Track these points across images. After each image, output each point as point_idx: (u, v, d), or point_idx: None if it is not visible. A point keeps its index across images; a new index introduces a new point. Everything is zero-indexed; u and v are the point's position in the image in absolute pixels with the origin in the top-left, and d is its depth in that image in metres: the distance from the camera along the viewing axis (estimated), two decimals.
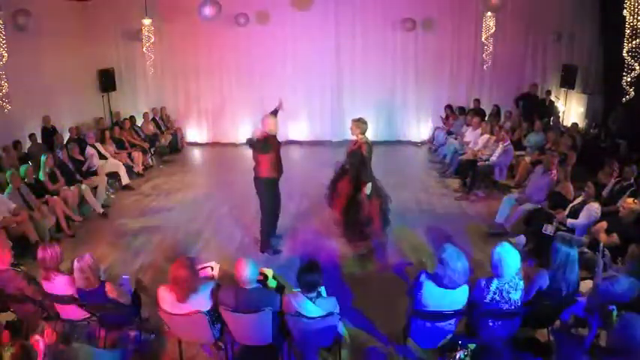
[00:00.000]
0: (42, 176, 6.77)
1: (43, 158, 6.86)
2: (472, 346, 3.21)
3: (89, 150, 8.10)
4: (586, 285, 4.04)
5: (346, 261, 5.59)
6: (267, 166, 5.34)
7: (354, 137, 5.58)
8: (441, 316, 3.39)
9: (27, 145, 8.08)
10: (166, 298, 3.40)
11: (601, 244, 4.38)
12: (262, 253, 5.71)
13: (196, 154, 11.21)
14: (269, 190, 5.50)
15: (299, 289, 3.37)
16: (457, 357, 3.02)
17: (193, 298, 3.38)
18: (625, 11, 5.80)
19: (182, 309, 3.37)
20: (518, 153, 8.08)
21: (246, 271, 3.34)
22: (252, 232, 6.44)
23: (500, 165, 7.71)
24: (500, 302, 3.36)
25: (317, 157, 9.87)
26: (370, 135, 6.15)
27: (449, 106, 10.77)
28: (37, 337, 2.92)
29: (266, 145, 5.19)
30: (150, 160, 9.71)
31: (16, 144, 7.74)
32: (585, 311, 3.57)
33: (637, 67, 5.91)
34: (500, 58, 10.46)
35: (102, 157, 8.27)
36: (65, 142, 8.37)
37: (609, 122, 8.42)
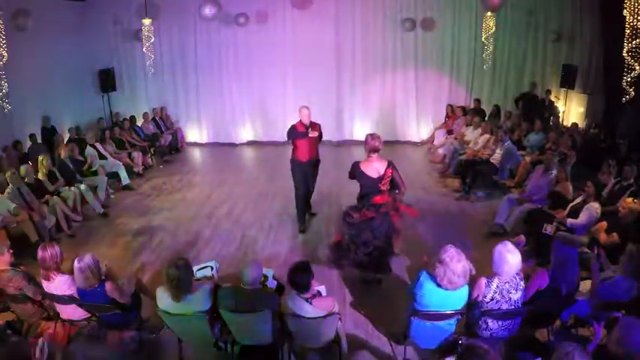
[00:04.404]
0: (41, 176, 6.77)
1: (40, 158, 6.86)
2: None
3: (89, 150, 8.11)
4: (586, 285, 4.04)
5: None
6: (293, 149, 6.25)
7: (376, 163, 4.63)
8: (441, 315, 3.39)
9: (27, 145, 8.08)
10: (164, 298, 3.41)
11: (595, 247, 4.38)
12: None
13: (196, 154, 11.21)
14: (291, 169, 6.31)
15: (293, 290, 3.38)
16: None
17: (189, 298, 3.39)
18: (625, 11, 5.79)
19: (181, 309, 3.38)
20: (518, 153, 8.07)
21: (252, 273, 3.35)
22: (252, 231, 6.46)
23: (504, 165, 7.71)
24: (500, 302, 3.36)
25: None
26: None
27: (450, 106, 10.79)
28: (40, 339, 2.91)
29: (291, 132, 6.07)
30: (150, 160, 9.71)
31: (16, 144, 7.75)
32: (590, 316, 3.57)
33: (637, 67, 5.91)
34: (500, 58, 10.47)
35: (102, 157, 8.27)
36: (65, 142, 8.37)
37: (620, 123, 8.33)
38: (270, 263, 5.41)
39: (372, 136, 4.68)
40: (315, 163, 6.32)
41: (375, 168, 4.60)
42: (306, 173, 6.26)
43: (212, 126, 11.57)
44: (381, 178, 4.57)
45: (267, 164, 9.63)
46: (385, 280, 5.10)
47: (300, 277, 3.33)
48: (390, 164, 4.63)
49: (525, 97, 10.19)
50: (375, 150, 4.60)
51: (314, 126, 6.08)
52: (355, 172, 4.69)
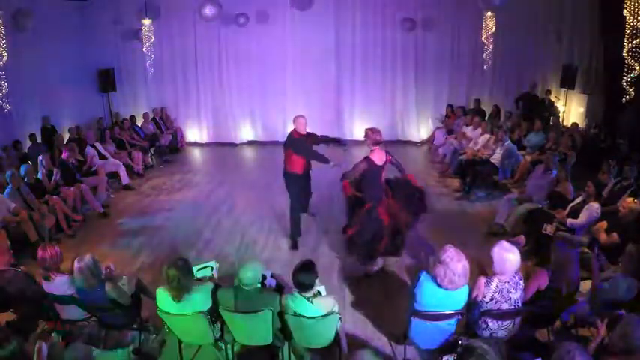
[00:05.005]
0: (40, 176, 6.77)
1: (39, 158, 6.86)
2: None
3: (89, 150, 8.11)
4: (586, 285, 4.04)
5: (346, 260, 5.59)
6: (287, 162, 5.86)
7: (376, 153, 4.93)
8: (441, 315, 3.39)
9: (27, 145, 8.08)
10: (164, 298, 3.41)
11: (595, 247, 4.39)
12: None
13: (196, 154, 11.22)
14: (287, 184, 5.97)
15: (296, 289, 3.38)
16: None
17: (189, 298, 3.39)
18: (625, 11, 5.80)
19: (181, 309, 3.38)
20: (518, 153, 8.08)
21: (250, 273, 3.35)
22: (252, 232, 6.46)
23: (506, 166, 7.71)
24: (500, 301, 3.36)
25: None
26: None
27: (450, 106, 10.80)
28: (39, 341, 2.90)
29: (290, 142, 5.76)
30: (150, 160, 9.72)
31: (16, 144, 7.74)
32: (590, 317, 3.57)
33: (637, 67, 5.93)
34: (500, 58, 10.47)
35: (102, 157, 8.27)
36: (65, 142, 8.37)
37: (620, 123, 8.30)
38: (270, 263, 5.42)
39: (372, 130, 4.98)
40: (309, 174, 6.12)
41: (379, 157, 4.92)
42: (303, 186, 6.09)
43: (212, 126, 11.57)
44: (384, 165, 4.96)
45: (267, 164, 9.61)
46: (385, 280, 5.10)
47: (305, 277, 3.34)
48: (388, 152, 5.05)
49: (525, 97, 10.18)
50: (378, 143, 4.92)
51: (309, 136, 5.94)
52: (365, 167, 4.84)
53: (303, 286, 3.35)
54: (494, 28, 9.18)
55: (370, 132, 4.93)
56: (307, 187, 6.27)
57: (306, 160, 5.84)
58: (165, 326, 3.71)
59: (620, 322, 2.79)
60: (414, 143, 11.29)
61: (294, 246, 5.96)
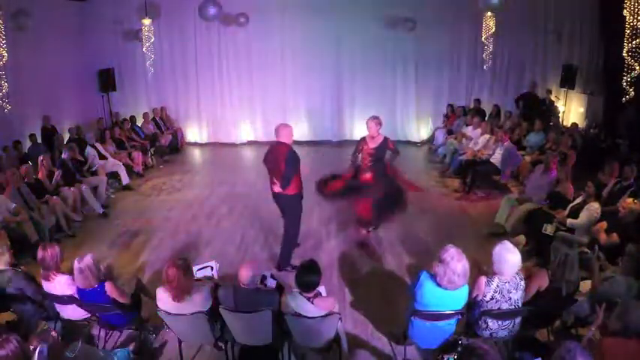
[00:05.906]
0: (40, 176, 6.77)
1: (39, 158, 6.86)
2: None
3: (89, 150, 8.11)
4: (586, 285, 4.04)
5: (346, 260, 5.59)
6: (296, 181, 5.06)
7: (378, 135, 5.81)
8: (441, 315, 3.39)
9: (27, 145, 8.08)
10: (164, 298, 3.41)
11: (596, 247, 4.39)
12: (279, 270, 5.22)
13: (196, 154, 11.22)
14: (293, 208, 5.24)
15: (297, 289, 3.38)
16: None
17: (189, 298, 3.39)
18: (625, 11, 5.81)
19: (181, 309, 3.38)
20: (518, 153, 8.08)
21: (249, 273, 3.35)
22: (252, 232, 6.45)
23: (508, 167, 7.71)
24: (500, 301, 3.36)
25: (317, 157, 9.87)
26: None
27: (450, 106, 10.81)
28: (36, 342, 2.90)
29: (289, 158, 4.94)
30: (150, 160, 9.72)
31: (16, 144, 7.74)
32: (591, 315, 3.59)
33: (637, 67, 5.93)
34: (500, 58, 10.48)
35: (102, 157, 8.28)
36: (65, 142, 8.37)
37: (620, 123, 8.29)
38: (271, 263, 5.42)
39: (376, 117, 5.88)
40: None
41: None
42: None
43: (212, 126, 11.58)
44: None
45: None
46: (385, 280, 5.10)
47: (310, 278, 3.34)
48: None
49: (525, 97, 10.20)
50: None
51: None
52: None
53: (307, 286, 3.34)
54: (494, 28, 9.18)
55: (375, 120, 5.76)
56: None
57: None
58: (166, 326, 3.71)
59: (617, 307, 2.85)
60: (414, 143, 11.29)
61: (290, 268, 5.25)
